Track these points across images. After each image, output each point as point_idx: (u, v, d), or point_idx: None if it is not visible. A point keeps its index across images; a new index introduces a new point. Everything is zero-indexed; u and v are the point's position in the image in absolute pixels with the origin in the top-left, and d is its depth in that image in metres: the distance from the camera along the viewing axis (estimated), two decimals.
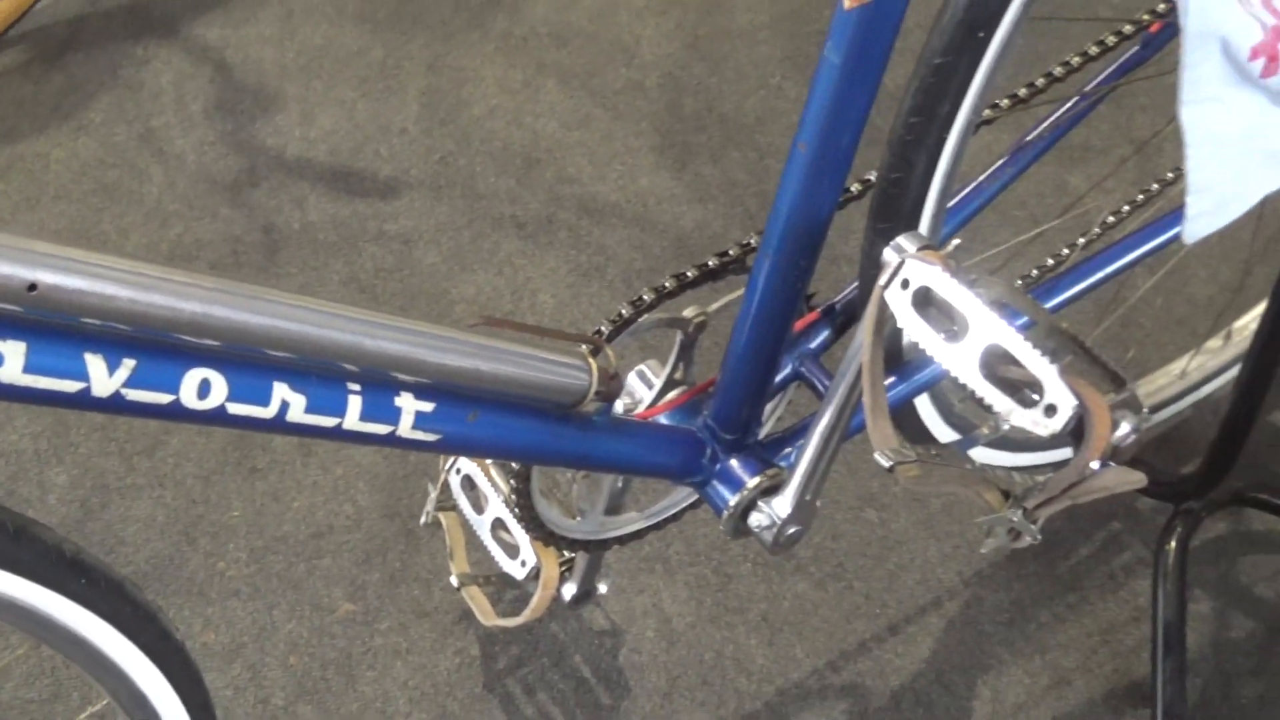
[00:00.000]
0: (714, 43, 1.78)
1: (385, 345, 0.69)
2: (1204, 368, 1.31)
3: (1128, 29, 0.99)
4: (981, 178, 1.01)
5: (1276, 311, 1.11)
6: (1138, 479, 0.71)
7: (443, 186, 1.62)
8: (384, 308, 0.70)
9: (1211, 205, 0.84)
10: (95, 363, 0.59)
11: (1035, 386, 0.70)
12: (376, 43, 1.79)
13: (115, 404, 0.61)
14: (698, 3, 1.82)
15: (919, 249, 0.76)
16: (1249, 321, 1.34)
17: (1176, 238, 1.02)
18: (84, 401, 0.60)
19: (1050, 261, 1.09)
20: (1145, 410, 0.70)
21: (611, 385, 0.82)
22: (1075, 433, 0.69)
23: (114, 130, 1.70)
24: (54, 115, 1.71)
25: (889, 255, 0.76)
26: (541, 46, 1.78)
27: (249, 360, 0.65)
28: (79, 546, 0.70)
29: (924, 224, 0.86)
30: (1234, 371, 1.31)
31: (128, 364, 0.60)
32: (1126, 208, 1.11)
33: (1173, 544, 1.24)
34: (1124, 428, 0.69)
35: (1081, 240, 1.10)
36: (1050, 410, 0.69)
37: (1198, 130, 0.79)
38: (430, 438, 0.74)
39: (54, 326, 0.58)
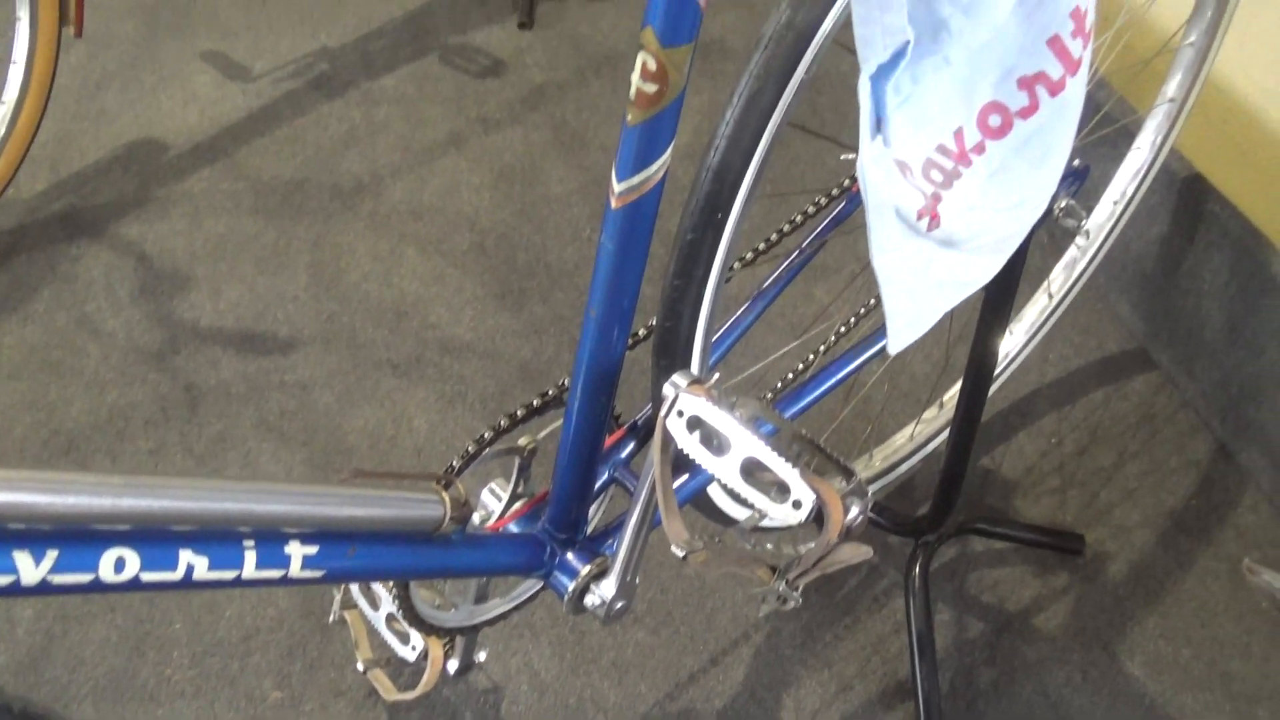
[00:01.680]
0: (536, 208, 1.79)
1: (272, 508, 0.67)
2: (925, 432, 1.35)
3: (834, 192, 1.04)
4: (739, 312, 1.04)
5: (971, 384, 1.16)
6: (866, 551, 0.73)
7: (331, 340, 1.60)
8: (269, 478, 0.68)
9: (905, 325, 0.88)
10: (22, 557, 0.57)
11: (784, 486, 0.71)
12: (269, 228, 1.77)
13: (43, 589, 0.58)
14: (521, 177, 1.84)
15: (689, 384, 0.77)
16: (955, 392, 1.39)
17: (884, 349, 1.06)
18: (15, 590, 0.57)
19: (801, 365, 1.12)
20: (869, 495, 0.72)
21: (463, 511, 0.81)
22: (818, 519, 0.71)
23: (55, 317, 1.63)
24: (3, 309, 1.64)
25: (666, 390, 0.78)
26: (401, 221, 1.78)
27: (156, 534, 0.63)
28: (26, 700, 0.66)
29: (695, 359, 0.87)
30: (946, 433, 1.35)
31: (51, 554, 0.58)
32: (854, 319, 1.15)
33: (917, 570, 1.28)
34: (853, 511, 0.71)
35: (823, 347, 1.13)
36: (797, 504, 0.70)
37: (886, 272, 0.82)
38: (318, 574, 0.72)
39: None
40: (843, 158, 1.43)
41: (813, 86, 0.80)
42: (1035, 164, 0.86)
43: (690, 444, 0.75)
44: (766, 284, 1.03)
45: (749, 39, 2.07)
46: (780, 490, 0.72)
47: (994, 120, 0.85)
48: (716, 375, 0.78)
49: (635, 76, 0.69)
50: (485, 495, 0.97)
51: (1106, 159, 1.42)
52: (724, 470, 0.73)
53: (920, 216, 0.81)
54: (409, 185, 1.83)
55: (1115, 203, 1.36)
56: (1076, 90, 0.85)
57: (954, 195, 0.84)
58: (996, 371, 1.35)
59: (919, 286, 0.86)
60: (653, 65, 0.68)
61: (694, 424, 0.76)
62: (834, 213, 1.06)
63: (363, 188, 1.83)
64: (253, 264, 1.71)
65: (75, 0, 1.68)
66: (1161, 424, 1.49)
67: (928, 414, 1.36)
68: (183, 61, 2.06)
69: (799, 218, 1.02)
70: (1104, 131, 1.40)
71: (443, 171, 1.85)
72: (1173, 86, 1.29)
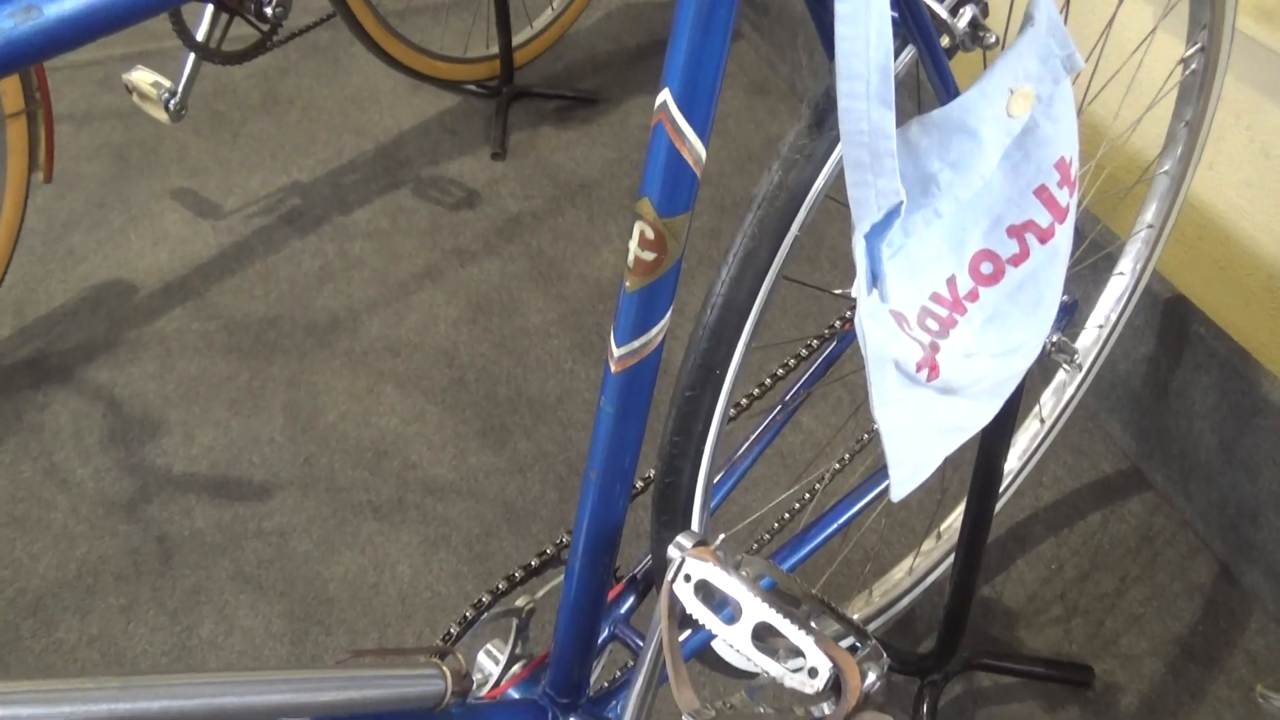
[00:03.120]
0: (516, 340, 1.81)
1: (271, 699, 0.66)
2: (924, 564, 1.35)
3: (826, 333, 1.06)
4: (736, 455, 1.04)
5: (973, 518, 1.17)
6: None
7: (309, 484, 1.59)
8: (261, 668, 0.67)
9: (908, 473, 0.89)
10: None
11: (798, 652, 0.71)
12: (243, 368, 1.77)
13: None
14: (499, 310, 1.86)
15: (693, 546, 0.77)
16: (952, 521, 1.40)
17: (884, 492, 1.07)
18: None
19: (798, 505, 1.13)
20: (885, 660, 0.72)
21: (464, 684, 0.80)
22: (834, 687, 0.71)
23: (20, 468, 1.62)
24: None
25: (672, 553, 0.78)
26: (379, 358, 1.78)
27: None
28: None
29: (695, 516, 0.88)
30: (948, 563, 1.36)
31: None
32: (848, 456, 1.16)
33: (924, 710, 1.26)
34: (871, 677, 0.71)
35: (819, 486, 1.14)
36: (813, 672, 0.70)
37: (888, 423, 0.84)
38: None
39: None
40: (836, 293, 1.46)
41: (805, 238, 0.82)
42: (1029, 309, 0.89)
43: (699, 610, 0.75)
44: (762, 428, 1.04)
45: (723, 164, 2.12)
46: (792, 653, 0.71)
47: (986, 268, 0.87)
48: (722, 537, 0.78)
49: (633, 244, 0.71)
50: (482, 658, 0.96)
51: (1089, 284, 1.45)
52: (735, 637, 0.73)
53: (920, 368, 0.82)
54: (385, 320, 1.85)
55: (1100, 327, 1.39)
56: (1065, 237, 0.88)
57: (951, 343, 0.85)
58: None
59: (921, 434, 0.87)
60: (651, 234, 0.70)
61: (702, 588, 0.76)
62: (826, 352, 1.08)
63: (338, 324, 1.84)
64: (227, 406, 1.71)
65: (45, 146, 1.71)
66: (1162, 546, 1.50)
67: (926, 545, 1.36)
68: (152, 200, 2.09)
69: (793, 361, 1.04)
70: (1091, 259, 1.44)
71: (419, 305, 1.87)
72: (1150, 213, 1.33)
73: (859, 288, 0.77)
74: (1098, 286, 1.41)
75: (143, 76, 1.89)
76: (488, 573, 1.48)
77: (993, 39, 0.80)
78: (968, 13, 0.78)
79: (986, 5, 0.80)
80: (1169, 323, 1.49)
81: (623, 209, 2.05)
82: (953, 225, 0.84)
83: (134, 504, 1.57)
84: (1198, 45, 1.18)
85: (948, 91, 0.79)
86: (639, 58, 2.39)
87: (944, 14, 0.75)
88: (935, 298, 0.85)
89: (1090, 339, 1.40)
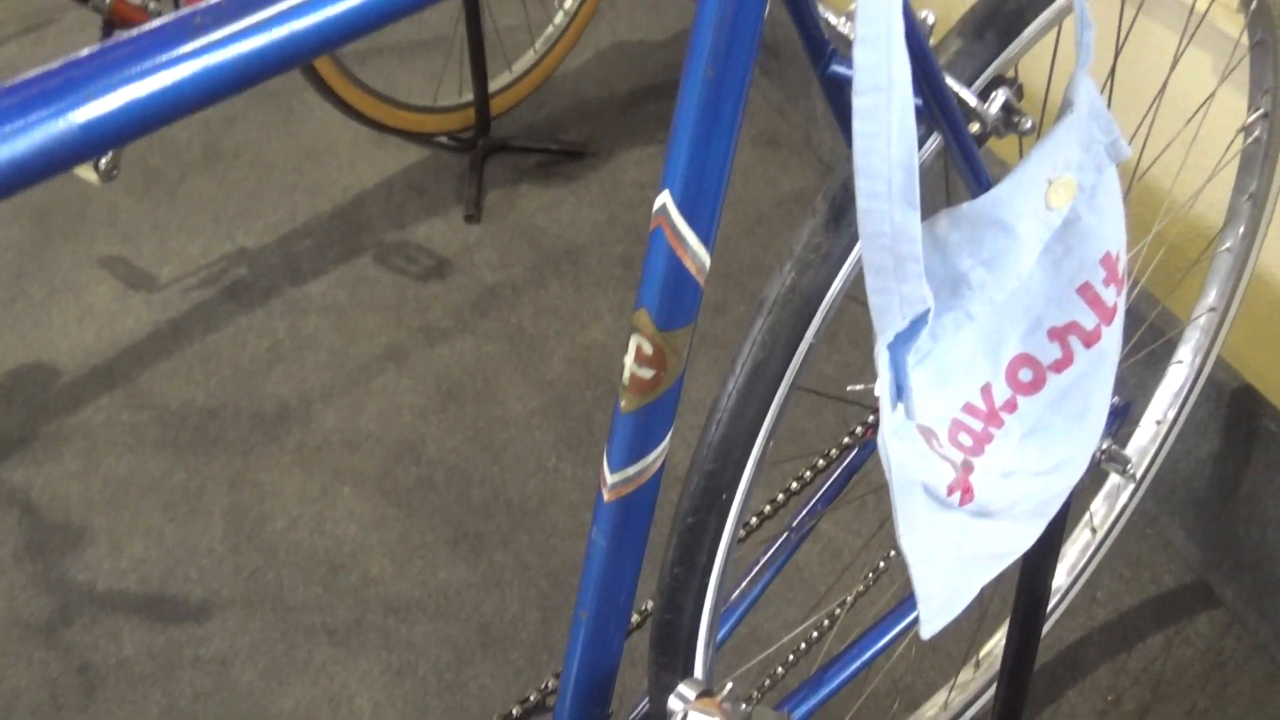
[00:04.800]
0: (493, 432, 1.83)
1: None
2: (961, 699, 1.36)
3: (846, 441, 1.08)
4: (744, 583, 1.06)
5: (1019, 638, 1.18)
6: None
7: (253, 603, 1.60)
8: None
9: (939, 606, 0.91)
10: None
11: None
12: (179, 466, 1.78)
13: None
14: (473, 396, 1.88)
15: (697, 697, 0.79)
16: (994, 646, 1.41)
17: (913, 625, 1.08)
18: None
19: (816, 634, 1.14)
20: None
21: None
22: None
23: None
24: None
25: (673, 705, 0.79)
26: (335, 453, 1.80)
27: None
28: None
29: (699, 659, 0.89)
30: (989, 696, 1.36)
31: None
32: (871, 576, 1.18)
33: None
34: None
35: (839, 610, 1.15)
36: None
37: (916, 553, 0.85)
38: None
39: None
40: (849, 389, 1.49)
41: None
42: (1074, 420, 0.91)
43: None
44: (774, 550, 1.06)
45: (729, 228, 2.16)
46: None
47: (1025, 375, 0.89)
48: (729, 687, 0.80)
49: (629, 360, 0.73)
50: None
51: (1146, 374, 1.48)
52: None
53: (951, 491, 0.84)
54: (343, 410, 1.86)
55: (1158, 423, 1.41)
56: (1113, 339, 0.90)
57: (987, 461, 0.88)
58: None
59: (952, 563, 0.89)
60: (649, 349, 0.72)
61: None
62: (846, 462, 1.10)
63: (289, 414, 1.86)
64: (160, 511, 1.72)
65: None
66: (1233, 673, 1.51)
67: (964, 675, 1.37)
68: (77, 270, 2.11)
69: (809, 474, 1.06)
70: (1150, 347, 1.47)
71: (382, 392, 1.89)
72: (1212, 295, 1.36)
73: (882, 404, 0.79)
74: (1155, 377, 1.43)
75: None
76: (459, 707, 1.48)
77: (1028, 124, 0.83)
78: (1000, 96, 0.81)
79: (1021, 88, 0.83)
80: (1236, 417, 1.51)
81: (614, 279, 2.08)
82: (987, 328, 0.86)
83: (52, 627, 1.57)
84: (1260, 111, 1.22)
85: (979, 183, 0.82)
86: (632, 104, 2.44)
87: (972, 100, 0.79)
88: (969, 409, 0.88)
89: (1147, 436, 1.42)
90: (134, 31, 0.47)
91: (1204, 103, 1.30)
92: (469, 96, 2.31)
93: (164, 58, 0.46)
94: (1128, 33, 1.66)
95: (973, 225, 0.81)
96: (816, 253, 0.81)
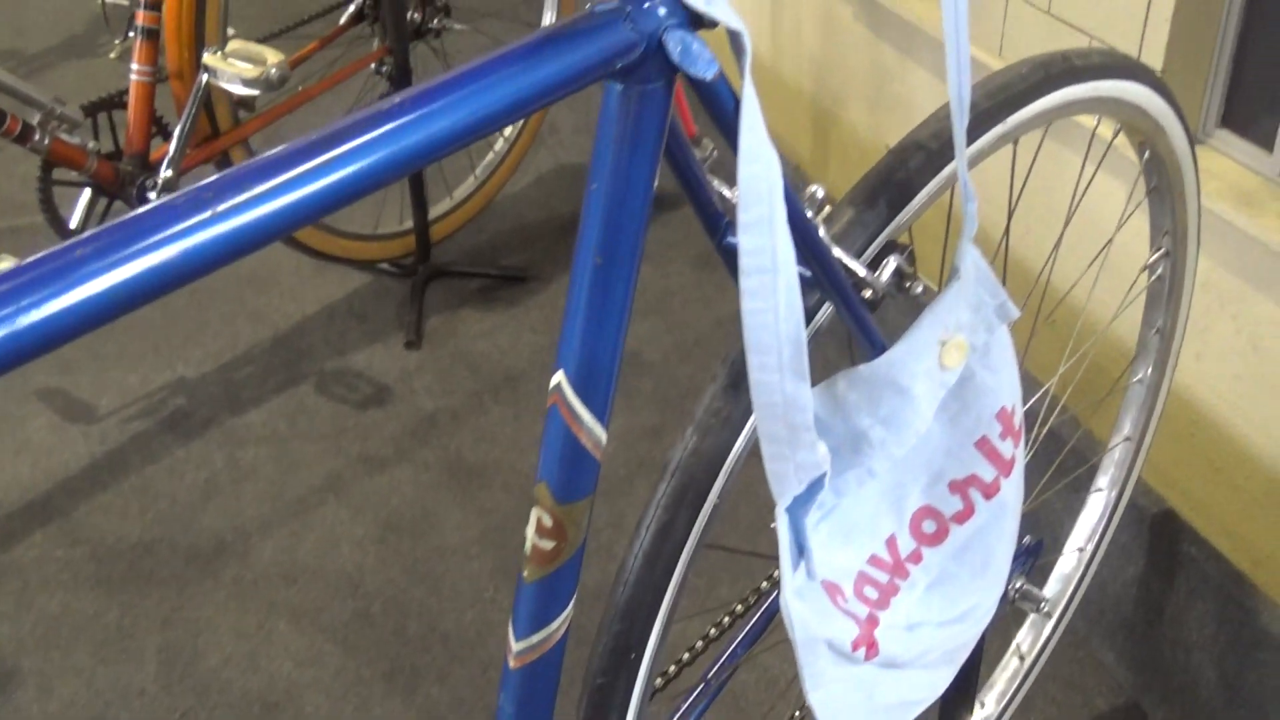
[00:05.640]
0: (430, 563, 1.83)
1: None
2: None
3: (763, 587, 1.09)
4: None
5: None
6: None
7: None
8: None
9: None
10: None
11: None
12: (112, 604, 1.77)
13: None
14: (411, 527, 1.89)
15: None
16: None
17: None
18: None
19: None
20: None
21: None
22: None
23: None
24: None
25: None
26: (272, 587, 1.80)
27: None
28: None
29: None
30: None
31: None
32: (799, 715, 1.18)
33: None
34: None
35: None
36: None
37: (826, 708, 0.87)
38: None
39: None
40: (773, 526, 1.50)
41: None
42: (977, 570, 0.93)
43: None
44: (691, 699, 1.07)
45: (667, 351, 2.19)
46: None
47: (928, 526, 0.92)
48: None
49: (530, 532, 0.74)
50: None
51: (1070, 500, 1.51)
52: None
53: (856, 647, 0.86)
54: (280, 543, 1.86)
55: (1080, 550, 1.44)
56: (1013, 490, 0.93)
57: (892, 615, 0.89)
58: None
59: (863, 715, 0.90)
60: (549, 522, 0.73)
61: None
62: (764, 607, 1.11)
63: (225, 548, 1.85)
64: (91, 650, 1.70)
65: None
66: None
67: None
68: (13, 402, 2.11)
69: (728, 619, 1.07)
70: (1075, 473, 1.50)
71: (320, 524, 1.89)
72: (1127, 426, 1.39)
73: (783, 565, 0.81)
74: (1078, 504, 1.46)
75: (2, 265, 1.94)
76: None
77: (920, 289, 0.86)
78: (891, 263, 0.85)
79: (913, 253, 0.87)
80: (1158, 541, 1.54)
81: None
82: (889, 483, 0.88)
83: None
84: (1162, 250, 1.27)
85: (873, 345, 0.85)
86: (572, 228, 2.47)
87: (861, 271, 0.82)
88: (874, 561, 0.90)
89: (1070, 564, 1.45)
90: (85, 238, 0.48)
91: (1103, 248, 1.34)
92: (410, 223, 2.34)
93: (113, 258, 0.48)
94: (1019, 196, 1.71)
95: (870, 386, 0.84)
96: (717, 417, 0.83)
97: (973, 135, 0.91)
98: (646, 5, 0.62)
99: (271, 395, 2.14)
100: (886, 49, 2.19)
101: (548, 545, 0.74)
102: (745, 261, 0.69)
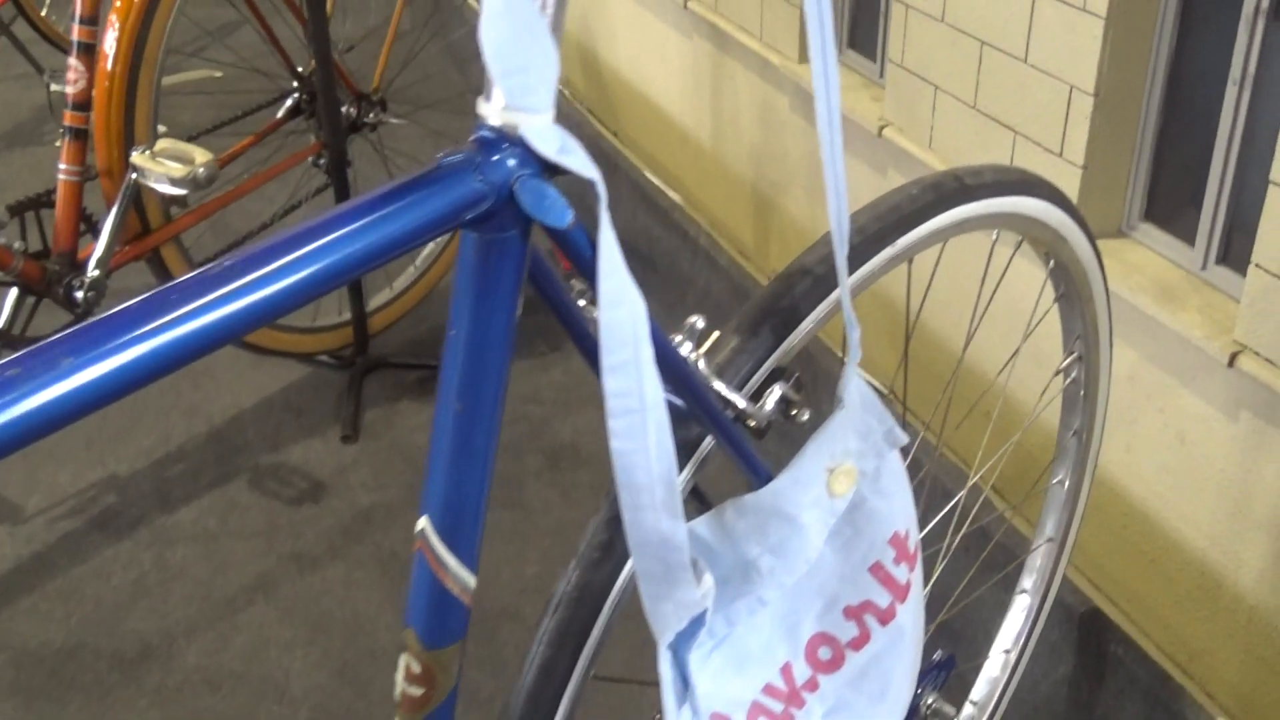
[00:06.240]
0: (360, 666, 1.80)
1: None
2: None
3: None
4: None
5: None
6: None
7: None
8: None
9: None
10: None
11: None
12: (30, 715, 1.73)
13: None
14: (341, 628, 1.86)
15: None
16: None
17: None
18: None
19: None
20: None
21: None
22: None
23: None
24: None
25: None
26: (195, 694, 1.76)
27: None
28: None
29: None
30: None
31: None
32: None
33: None
34: None
35: None
36: None
37: None
38: None
39: None
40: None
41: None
42: (876, 697, 0.92)
43: None
44: None
45: (604, 442, 2.17)
46: None
47: (824, 653, 0.90)
48: None
49: (399, 678, 0.73)
50: None
51: (998, 596, 1.50)
52: None
53: None
54: (206, 646, 1.83)
55: (1007, 652, 1.42)
56: (910, 615, 0.92)
57: None
58: None
59: None
60: (417, 668, 0.72)
61: None
62: None
63: (150, 653, 1.82)
64: None
65: None
66: None
67: None
68: None
69: None
70: (1005, 569, 1.49)
71: (248, 626, 1.86)
72: (1049, 527, 1.39)
73: (666, 705, 0.80)
74: (1005, 604, 1.45)
75: None
76: None
77: (805, 416, 0.86)
78: (776, 391, 0.84)
79: (799, 380, 0.86)
80: (1086, 640, 1.53)
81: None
82: (782, 610, 0.87)
83: None
84: (1075, 354, 1.27)
85: (757, 475, 0.84)
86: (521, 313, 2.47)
87: (741, 403, 0.81)
88: (769, 690, 0.88)
89: (998, 666, 1.43)
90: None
91: (1011, 356, 1.34)
92: (348, 315, 2.33)
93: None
94: (916, 319, 1.73)
95: (757, 515, 0.83)
96: (600, 550, 0.82)
97: (863, 258, 0.91)
98: (496, 157, 0.62)
99: (204, 492, 2.11)
100: None
101: (417, 692, 0.73)
102: (612, 403, 0.68)
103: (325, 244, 0.58)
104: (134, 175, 1.84)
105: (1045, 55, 1.65)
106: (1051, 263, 1.16)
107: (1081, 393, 1.29)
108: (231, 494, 2.10)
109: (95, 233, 1.94)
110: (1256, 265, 1.41)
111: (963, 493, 1.28)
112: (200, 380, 2.36)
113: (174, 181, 1.79)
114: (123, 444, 2.21)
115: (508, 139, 0.62)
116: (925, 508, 1.09)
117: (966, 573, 1.45)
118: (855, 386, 0.83)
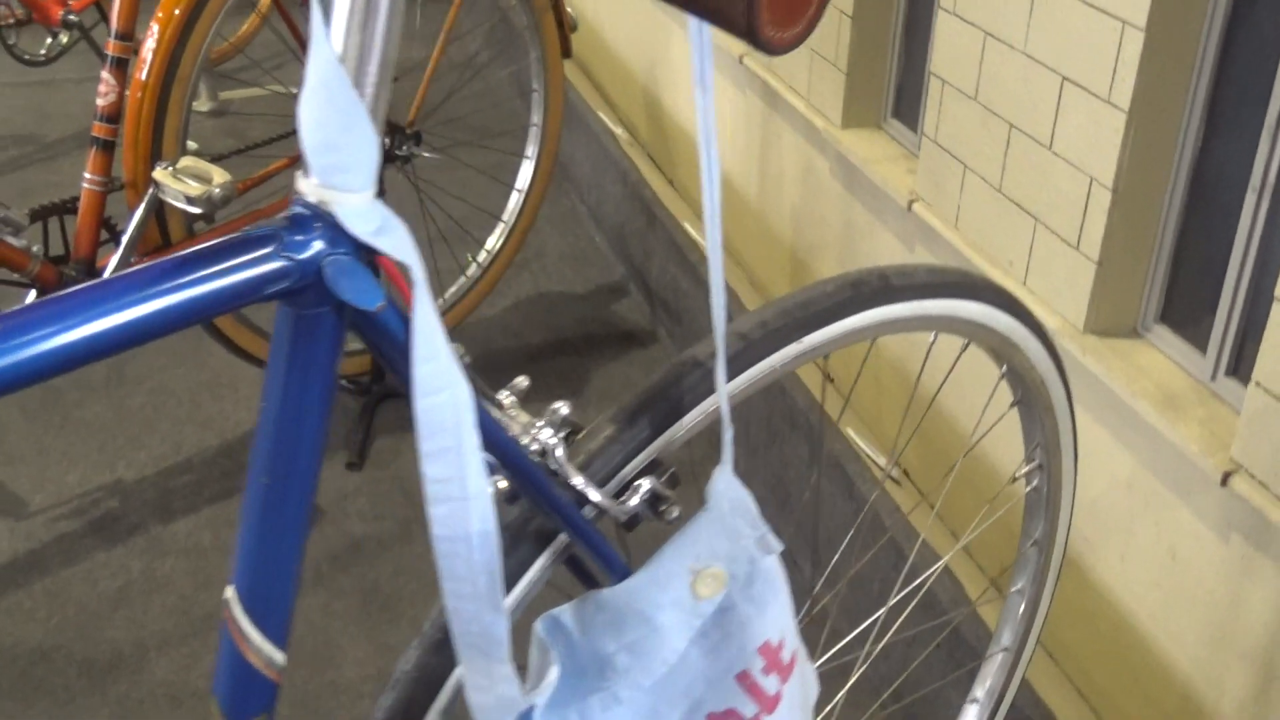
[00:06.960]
0: (321, 699, 1.79)
1: None
2: None
3: None
4: None
5: None
6: None
7: None
8: None
9: None
10: None
11: None
12: None
13: None
14: (309, 658, 1.85)
15: None
16: None
17: None
18: None
19: None
20: None
21: None
22: None
23: None
24: None
25: None
26: (157, 709, 1.77)
27: None
28: None
29: None
30: None
31: None
32: None
33: None
34: None
35: None
36: None
37: None
38: None
39: None
40: None
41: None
42: None
43: None
44: None
45: None
46: None
47: None
48: None
49: None
50: None
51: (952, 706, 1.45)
52: None
53: None
54: (176, 661, 1.84)
55: None
56: None
57: None
58: None
59: None
60: None
61: None
62: None
63: (120, 662, 1.83)
64: None
65: None
66: None
67: None
68: None
69: None
70: (968, 666, 1.44)
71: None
72: (1005, 636, 1.34)
73: None
74: (956, 711, 1.40)
75: None
76: None
77: (675, 513, 0.83)
78: (644, 485, 0.82)
79: (675, 475, 0.84)
80: None
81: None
82: (640, 710, 0.85)
83: None
84: (1035, 462, 1.22)
85: (613, 571, 0.82)
86: (538, 357, 2.47)
87: (596, 496, 0.79)
88: None
89: None
90: None
91: (962, 455, 1.30)
92: None
93: None
94: (846, 402, 1.69)
95: (613, 612, 0.81)
96: (443, 632, 0.80)
97: (765, 352, 0.88)
98: (303, 236, 0.61)
99: (204, 505, 2.13)
100: (858, 207, 2.18)
101: None
102: (432, 490, 0.67)
103: (122, 302, 0.57)
104: (153, 189, 1.87)
105: (1068, 144, 1.61)
106: (1005, 367, 1.12)
107: (1043, 501, 1.25)
108: (230, 510, 2.12)
109: (117, 241, 1.97)
110: (1257, 384, 1.35)
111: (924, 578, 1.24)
112: (220, 393, 2.39)
113: (190, 200, 1.81)
114: (134, 450, 2.24)
115: (321, 217, 0.61)
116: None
117: (913, 670, 1.41)
118: (726, 487, 0.81)
